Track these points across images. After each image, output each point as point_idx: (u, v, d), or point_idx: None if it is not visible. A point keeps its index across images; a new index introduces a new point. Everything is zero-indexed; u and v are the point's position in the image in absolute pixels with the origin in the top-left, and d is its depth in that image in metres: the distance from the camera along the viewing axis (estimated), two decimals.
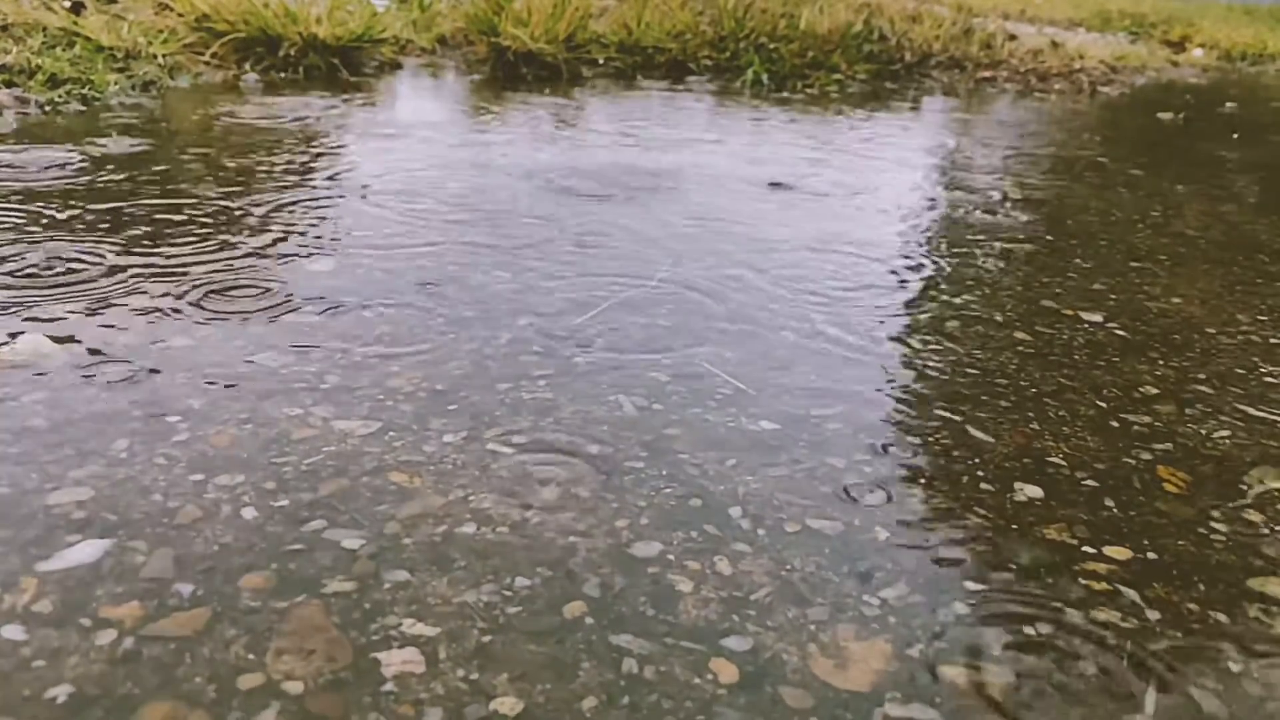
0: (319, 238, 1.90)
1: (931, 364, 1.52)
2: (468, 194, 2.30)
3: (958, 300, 1.82)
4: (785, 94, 4.46)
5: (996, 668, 0.87)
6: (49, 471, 1.05)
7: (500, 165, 2.62)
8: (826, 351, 1.52)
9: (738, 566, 0.98)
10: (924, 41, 5.57)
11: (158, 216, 1.96)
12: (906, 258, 2.05)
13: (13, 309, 1.46)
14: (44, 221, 1.87)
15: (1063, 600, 0.96)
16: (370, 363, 1.37)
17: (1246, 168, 3.42)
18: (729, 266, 1.89)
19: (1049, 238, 2.30)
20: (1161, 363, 1.58)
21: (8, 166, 2.25)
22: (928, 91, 4.98)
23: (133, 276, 1.63)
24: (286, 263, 1.75)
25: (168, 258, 1.73)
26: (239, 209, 2.04)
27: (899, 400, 1.39)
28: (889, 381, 1.45)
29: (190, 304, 1.53)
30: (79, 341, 1.37)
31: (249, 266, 1.72)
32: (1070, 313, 1.78)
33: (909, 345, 1.59)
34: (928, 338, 1.63)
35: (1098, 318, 1.77)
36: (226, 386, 1.27)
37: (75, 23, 3.59)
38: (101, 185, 2.15)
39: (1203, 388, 1.50)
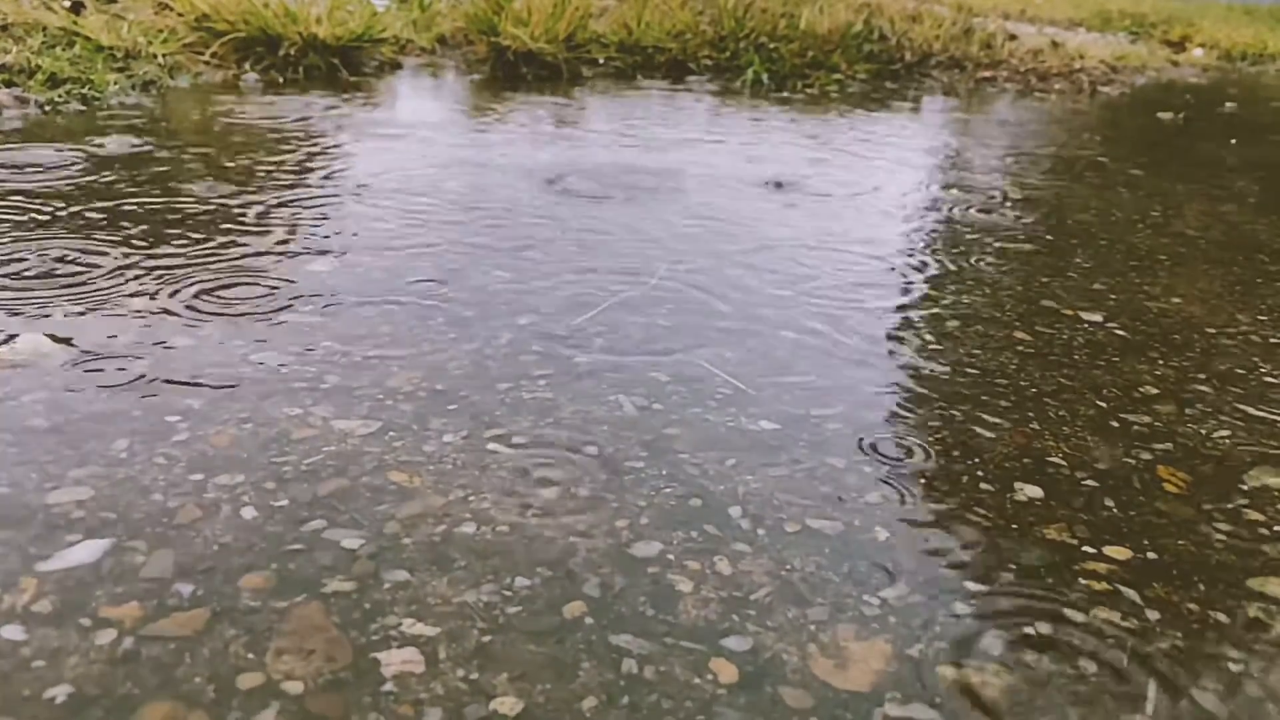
0: (319, 237, 1.90)
1: (931, 364, 1.52)
2: (468, 193, 2.30)
3: (958, 300, 1.82)
4: (785, 94, 4.46)
5: (996, 668, 0.87)
6: (49, 471, 1.05)
7: (500, 165, 2.62)
8: (826, 351, 1.52)
9: (738, 566, 0.98)
10: (924, 41, 5.57)
11: (158, 216, 1.96)
12: (907, 257, 2.05)
13: (13, 309, 1.46)
14: (44, 221, 1.87)
15: (1063, 600, 0.96)
16: (370, 362, 1.37)
17: (1246, 168, 3.42)
18: (729, 266, 1.89)
19: (1049, 237, 2.30)
20: (1161, 363, 1.58)
21: (7, 166, 2.25)
22: (928, 91, 4.98)
23: (133, 276, 1.63)
24: (287, 262, 1.75)
25: (168, 257, 1.73)
26: (239, 208, 2.04)
27: (899, 400, 1.39)
28: (889, 381, 1.45)
29: (190, 303, 1.53)
30: (79, 341, 1.37)
31: (249, 266, 1.72)
32: (1070, 313, 1.78)
33: (909, 345, 1.59)
34: (928, 338, 1.62)
35: (1098, 318, 1.77)
36: (226, 386, 1.27)
37: (75, 22, 3.59)
38: (101, 185, 2.15)
39: (1203, 388, 1.50)
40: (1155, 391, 1.47)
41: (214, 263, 1.72)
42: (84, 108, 3.00)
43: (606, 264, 1.86)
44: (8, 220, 1.86)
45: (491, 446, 1.17)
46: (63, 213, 1.93)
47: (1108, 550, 1.05)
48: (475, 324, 1.53)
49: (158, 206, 2.02)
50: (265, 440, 1.14)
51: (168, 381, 1.27)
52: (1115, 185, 2.93)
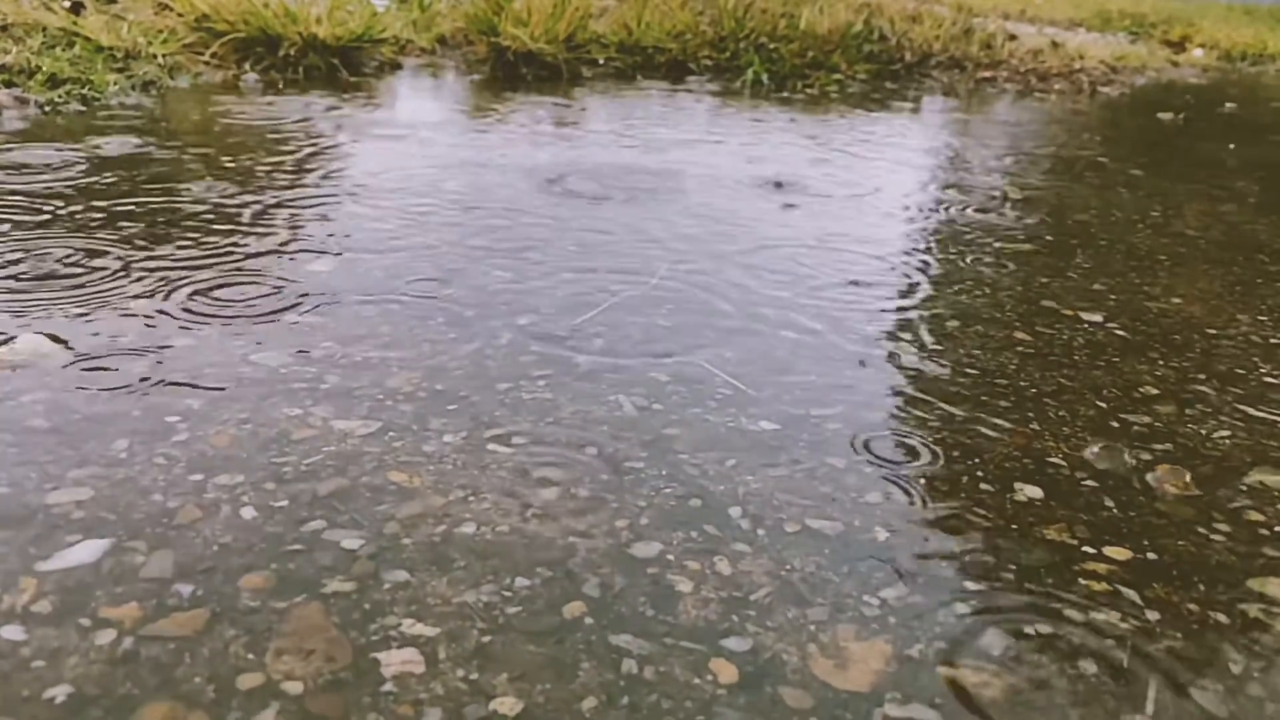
0: (319, 237, 1.90)
1: (931, 364, 1.52)
2: (467, 194, 2.30)
3: (958, 300, 1.82)
4: (785, 94, 4.46)
5: (996, 668, 0.87)
6: (49, 471, 1.05)
7: (500, 165, 2.62)
8: (827, 351, 1.52)
9: (737, 566, 0.98)
10: (924, 41, 5.57)
11: (158, 216, 1.96)
12: (907, 258, 2.05)
13: (13, 309, 1.46)
14: (44, 221, 1.87)
15: (1063, 600, 0.96)
16: (370, 362, 1.37)
17: (1246, 168, 3.42)
18: (729, 266, 1.89)
19: (1049, 238, 2.30)
20: (1161, 363, 1.58)
21: (7, 167, 2.25)
22: (928, 91, 4.98)
23: (133, 276, 1.63)
24: (287, 262, 1.75)
25: (168, 257, 1.73)
26: (238, 208, 2.04)
27: (899, 400, 1.39)
28: (889, 382, 1.45)
29: (190, 303, 1.53)
30: (78, 342, 1.37)
31: (249, 266, 1.72)
32: (1070, 313, 1.78)
33: (909, 345, 1.59)
34: (928, 338, 1.62)
35: (1098, 318, 1.77)
36: (226, 386, 1.27)
37: (75, 23, 3.59)
38: (101, 185, 2.15)
39: (1203, 388, 1.50)
40: (1155, 392, 1.47)
41: (214, 263, 1.72)
42: (84, 108, 3.00)
43: (606, 264, 1.86)
44: (8, 221, 1.86)
45: (491, 447, 1.17)
46: (63, 213, 1.93)
47: (1108, 550, 1.05)
48: (475, 324, 1.53)
49: (158, 207, 2.02)
50: (265, 440, 1.14)
51: (167, 382, 1.27)
52: (1115, 185, 2.93)
